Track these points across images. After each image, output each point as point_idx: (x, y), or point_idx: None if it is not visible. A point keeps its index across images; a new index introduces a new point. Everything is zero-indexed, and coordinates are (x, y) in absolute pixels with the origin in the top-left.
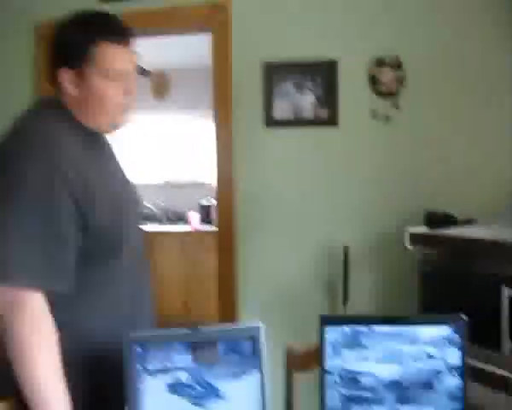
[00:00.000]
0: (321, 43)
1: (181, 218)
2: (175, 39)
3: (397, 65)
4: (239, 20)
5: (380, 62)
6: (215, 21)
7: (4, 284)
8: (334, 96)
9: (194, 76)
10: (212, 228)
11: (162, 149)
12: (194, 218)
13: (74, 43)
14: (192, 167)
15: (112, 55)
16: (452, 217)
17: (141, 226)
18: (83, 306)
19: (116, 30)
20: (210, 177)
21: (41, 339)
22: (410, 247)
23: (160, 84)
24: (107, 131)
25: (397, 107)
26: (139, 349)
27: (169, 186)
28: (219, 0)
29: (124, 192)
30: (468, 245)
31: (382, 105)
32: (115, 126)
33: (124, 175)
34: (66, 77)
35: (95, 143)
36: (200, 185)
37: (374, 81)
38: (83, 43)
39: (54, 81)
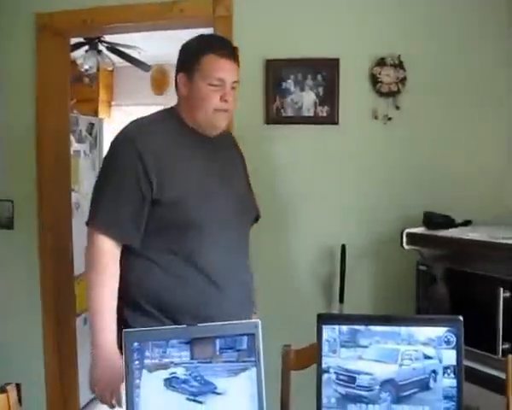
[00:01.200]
0: (323, 41)
1: None
2: (176, 34)
3: (398, 65)
4: (240, 16)
5: (381, 62)
6: (216, 17)
7: (88, 224)
8: (335, 94)
9: None
10: None
11: None
12: None
13: (190, 54)
14: None
15: (214, 65)
16: (450, 218)
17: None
18: (152, 268)
19: (221, 46)
20: None
21: (95, 276)
22: (407, 247)
23: (160, 80)
24: (207, 131)
25: (397, 107)
26: (137, 345)
27: None
28: None
29: (211, 183)
30: (465, 246)
31: (383, 105)
32: (213, 127)
33: (229, 175)
34: (182, 80)
35: (194, 139)
36: None
37: (375, 81)
38: (195, 53)
39: (176, 84)
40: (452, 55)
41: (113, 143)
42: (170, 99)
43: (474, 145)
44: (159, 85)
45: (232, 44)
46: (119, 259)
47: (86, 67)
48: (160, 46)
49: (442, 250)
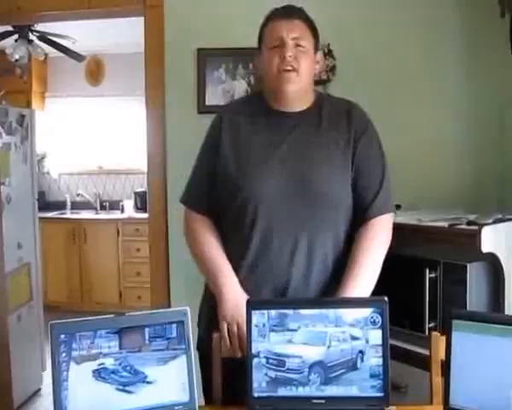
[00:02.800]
0: (253, 30)
1: (116, 206)
2: (111, 23)
3: (327, 53)
4: (172, 6)
5: None
6: (147, 6)
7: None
8: None
9: (129, 61)
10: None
11: (97, 135)
12: (129, 206)
13: (259, 34)
14: (128, 155)
15: (271, 30)
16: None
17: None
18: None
19: (277, 11)
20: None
21: (190, 237)
22: None
23: (95, 70)
24: (281, 101)
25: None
26: (63, 337)
27: (104, 174)
28: None
29: (272, 159)
30: (394, 229)
31: None
32: (280, 92)
33: (300, 155)
34: (257, 59)
35: (270, 119)
36: (136, 173)
37: None
38: (260, 31)
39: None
40: (382, 44)
41: None
42: (106, 90)
43: (402, 131)
44: (94, 76)
45: (295, 6)
46: (211, 223)
47: (16, 57)
48: (94, 35)
49: None
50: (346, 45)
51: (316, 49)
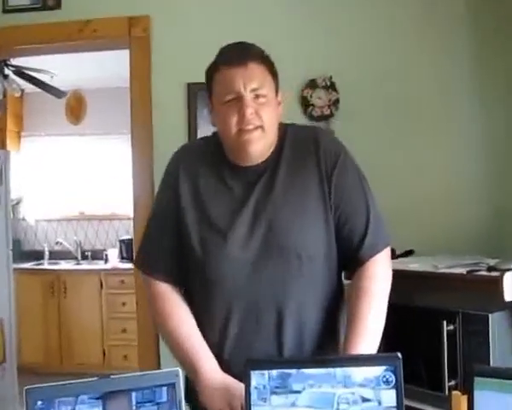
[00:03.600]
0: None
1: (99, 255)
2: (93, 56)
3: (330, 86)
4: (159, 37)
5: (312, 83)
6: (132, 38)
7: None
8: None
9: (113, 96)
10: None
11: (78, 178)
12: (113, 255)
13: (206, 77)
14: (112, 199)
15: (223, 79)
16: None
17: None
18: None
19: (227, 52)
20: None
21: (154, 311)
22: (345, 281)
23: (75, 107)
24: (244, 161)
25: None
26: (40, 403)
27: (85, 220)
28: (138, 14)
29: (241, 225)
30: (406, 278)
31: None
32: (245, 154)
33: (276, 213)
34: (210, 109)
35: (231, 175)
36: (121, 218)
37: (306, 104)
38: (209, 75)
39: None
40: (389, 73)
41: None
42: (87, 128)
43: (413, 173)
44: (75, 113)
45: (246, 44)
46: (177, 294)
47: None
48: (75, 69)
49: None
50: (350, 76)
51: (277, 90)
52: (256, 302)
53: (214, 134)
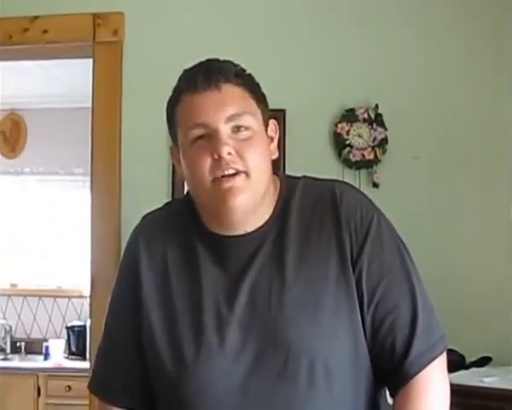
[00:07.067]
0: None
1: (36, 348)
2: (39, 66)
3: (375, 120)
4: (134, 38)
5: (349, 115)
6: (97, 43)
7: None
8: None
9: (63, 119)
10: (86, 365)
11: (10, 236)
12: (57, 348)
13: (168, 109)
14: (58, 267)
15: (189, 109)
16: (459, 355)
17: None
18: None
19: (193, 74)
20: (86, 281)
21: None
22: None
23: (11, 133)
24: (224, 226)
25: (375, 184)
26: None
27: (19, 296)
28: (108, 10)
29: (220, 308)
30: (479, 397)
31: (351, 181)
32: (225, 209)
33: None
34: (176, 156)
35: (210, 253)
36: (71, 296)
37: (340, 143)
38: (171, 105)
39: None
40: (448, 101)
41: None
42: (26, 164)
43: (488, 248)
44: (10, 143)
45: (217, 61)
46: None
47: None
48: (13, 83)
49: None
50: (403, 106)
51: (266, 120)
52: None
53: (188, 194)
